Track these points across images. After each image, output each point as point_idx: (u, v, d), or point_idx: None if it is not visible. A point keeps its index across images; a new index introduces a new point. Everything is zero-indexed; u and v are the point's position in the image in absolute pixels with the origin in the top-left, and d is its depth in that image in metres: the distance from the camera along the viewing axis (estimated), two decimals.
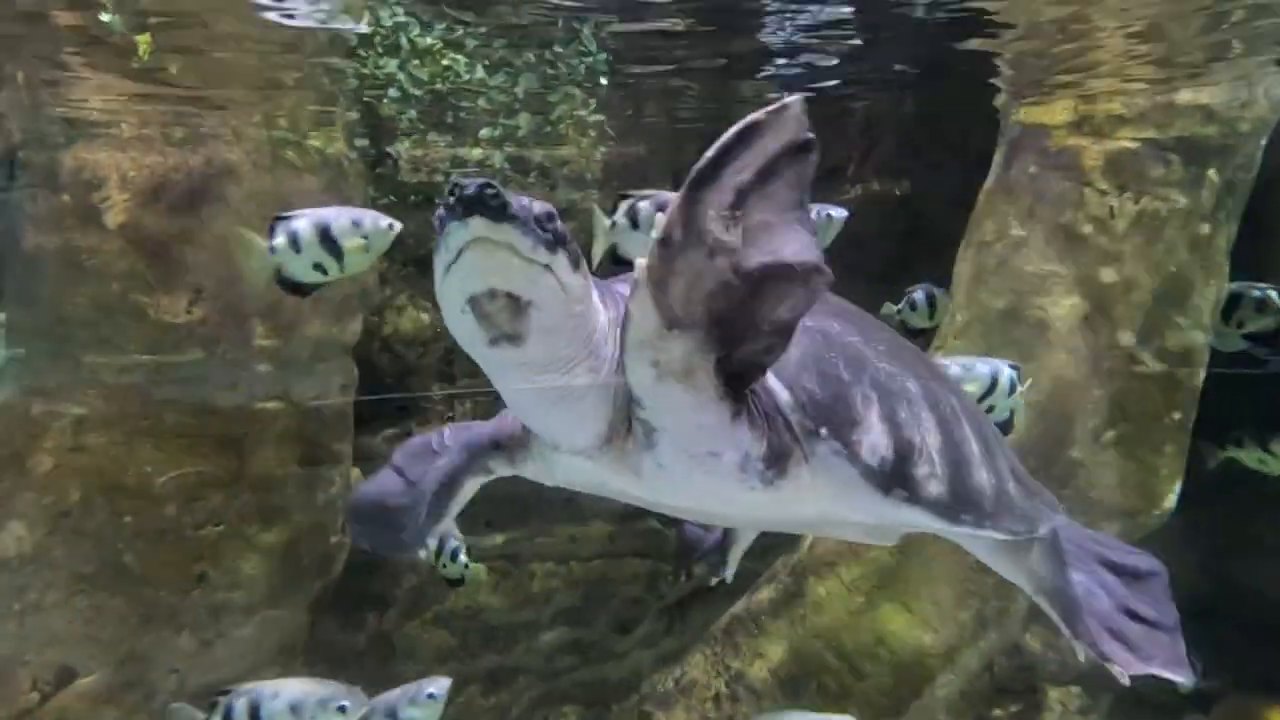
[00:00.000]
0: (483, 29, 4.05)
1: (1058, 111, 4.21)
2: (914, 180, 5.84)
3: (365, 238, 2.93)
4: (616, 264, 3.16)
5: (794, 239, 1.26)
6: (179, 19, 3.55)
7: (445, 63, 4.07)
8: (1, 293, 3.77)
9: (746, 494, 1.45)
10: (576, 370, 1.39)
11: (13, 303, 3.77)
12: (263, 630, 3.90)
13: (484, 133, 4.60)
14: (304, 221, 2.89)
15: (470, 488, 1.83)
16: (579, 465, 1.57)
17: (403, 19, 3.86)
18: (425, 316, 4.92)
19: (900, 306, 4.42)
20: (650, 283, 1.26)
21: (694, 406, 1.37)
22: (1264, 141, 3.97)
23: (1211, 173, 3.91)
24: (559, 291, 1.33)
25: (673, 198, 1.29)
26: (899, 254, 5.98)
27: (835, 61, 4.61)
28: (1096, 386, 3.99)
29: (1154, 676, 1.75)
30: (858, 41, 4.32)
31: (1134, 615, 1.85)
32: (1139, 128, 3.97)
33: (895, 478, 1.49)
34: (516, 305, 1.31)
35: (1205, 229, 3.94)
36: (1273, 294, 4.04)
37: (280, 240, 2.86)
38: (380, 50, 3.97)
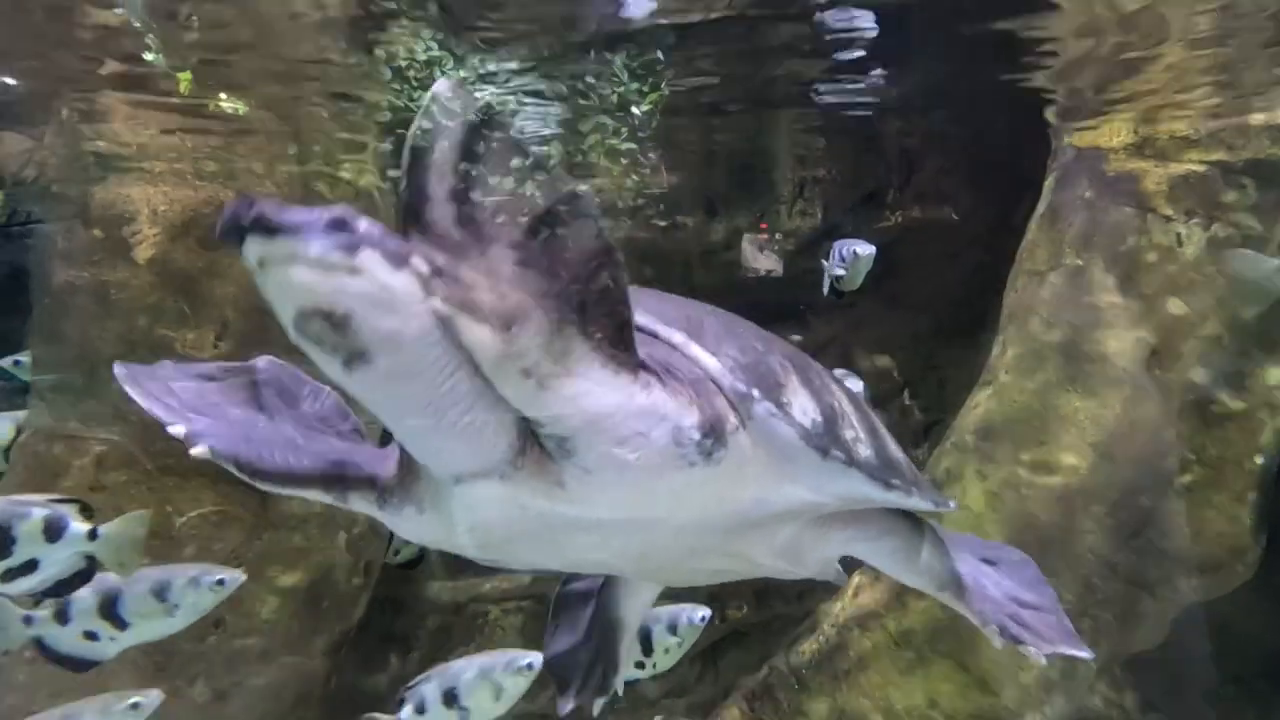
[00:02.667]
0: (513, 63, 4.02)
1: (1115, 133, 3.99)
2: (957, 207, 5.64)
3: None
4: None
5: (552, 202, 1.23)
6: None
7: (477, 94, 4.07)
8: (28, 328, 3.76)
9: (686, 473, 1.36)
10: (458, 377, 1.25)
11: (39, 338, 3.75)
12: (280, 678, 3.76)
13: (514, 163, 4.57)
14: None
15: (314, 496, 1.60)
16: (489, 495, 1.40)
17: (437, 53, 3.85)
18: None
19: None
20: (461, 309, 1.16)
21: (592, 394, 1.27)
22: None
23: None
24: (377, 294, 1.18)
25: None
26: (941, 283, 5.75)
27: (873, 81, 4.46)
28: (1166, 427, 3.70)
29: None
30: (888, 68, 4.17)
31: (1021, 602, 1.88)
32: (1207, 149, 3.73)
33: (830, 439, 1.48)
34: (333, 319, 1.16)
35: None
36: None
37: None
38: (415, 83, 3.97)
